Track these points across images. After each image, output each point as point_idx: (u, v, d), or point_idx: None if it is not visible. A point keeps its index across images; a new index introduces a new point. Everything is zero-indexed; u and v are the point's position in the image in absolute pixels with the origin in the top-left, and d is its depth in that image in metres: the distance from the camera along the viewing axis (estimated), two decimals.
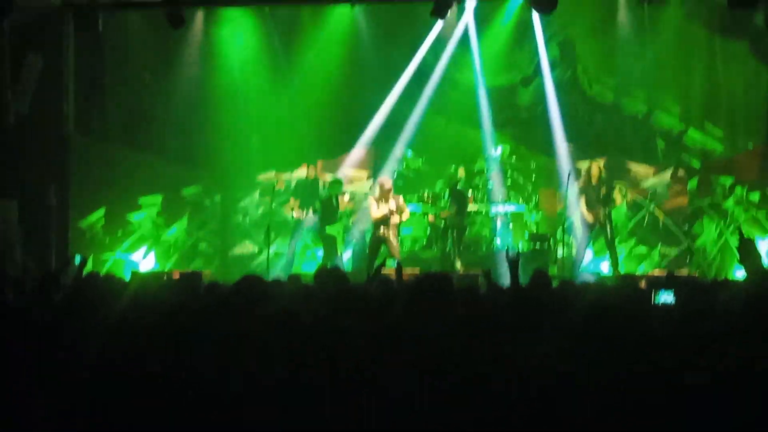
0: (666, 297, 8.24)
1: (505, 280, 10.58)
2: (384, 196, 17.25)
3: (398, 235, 17.63)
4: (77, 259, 9.75)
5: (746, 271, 8.49)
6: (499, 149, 20.04)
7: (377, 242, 17.40)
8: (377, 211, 17.19)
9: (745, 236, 8.44)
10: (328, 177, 19.77)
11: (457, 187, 18.48)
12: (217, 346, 4.51)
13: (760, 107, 18.91)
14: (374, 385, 4.74)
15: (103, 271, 17.69)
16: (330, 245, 18.42)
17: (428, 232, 19.19)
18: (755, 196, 18.56)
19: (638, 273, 17.71)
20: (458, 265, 17.68)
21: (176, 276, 13.54)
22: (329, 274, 9.05)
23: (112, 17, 18.37)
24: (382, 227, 17.26)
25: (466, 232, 18.66)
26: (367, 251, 17.76)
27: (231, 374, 4.50)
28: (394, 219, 17.21)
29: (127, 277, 14.81)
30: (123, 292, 7.50)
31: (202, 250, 19.92)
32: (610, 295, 8.81)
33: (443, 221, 18.16)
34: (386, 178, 17.95)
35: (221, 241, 20.33)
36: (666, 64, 19.35)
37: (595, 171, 17.82)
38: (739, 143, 19.51)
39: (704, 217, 19.15)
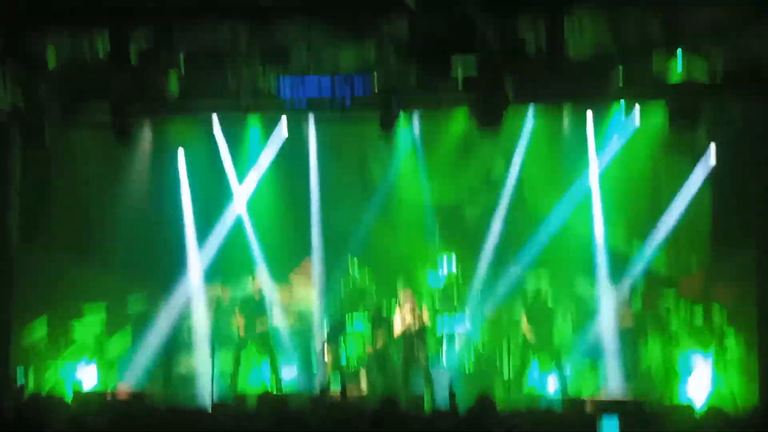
0: (610, 424, 8.27)
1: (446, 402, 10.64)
2: (407, 309, 17.11)
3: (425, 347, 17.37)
4: (20, 371, 9.66)
5: None
6: (445, 266, 20.05)
7: (409, 359, 17.12)
8: (399, 324, 17.07)
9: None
10: (273, 290, 19.72)
11: (382, 315, 18.36)
12: None
13: (704, 226, 19.08)
14: None
15: (46, 385, 17.47)
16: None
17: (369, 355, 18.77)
18: (699, 316, 18.57)
19: (584, 396, 17.57)
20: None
21: (119, 395, 13.41)
22: (273, 399, 9.02)
23: (59, 130, 18.32)
24: (411, 341, 17.05)
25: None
26: (402, 368, 17.41)
27: None
28: (417, 329, 16.98)
29: (69, 396, 14.67)
30: (64, 413, 7.44)
31: (145, 364, 19.56)
32: (557, 423, 8.80)
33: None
34: (408, 291, 17.80)
35: (165, 356, 19.97)
36: (611, 181, 19.51)
37: (543, 291, 18.64)
38: (683, 262, 19.65)
39: (648, 337, 19.12)
